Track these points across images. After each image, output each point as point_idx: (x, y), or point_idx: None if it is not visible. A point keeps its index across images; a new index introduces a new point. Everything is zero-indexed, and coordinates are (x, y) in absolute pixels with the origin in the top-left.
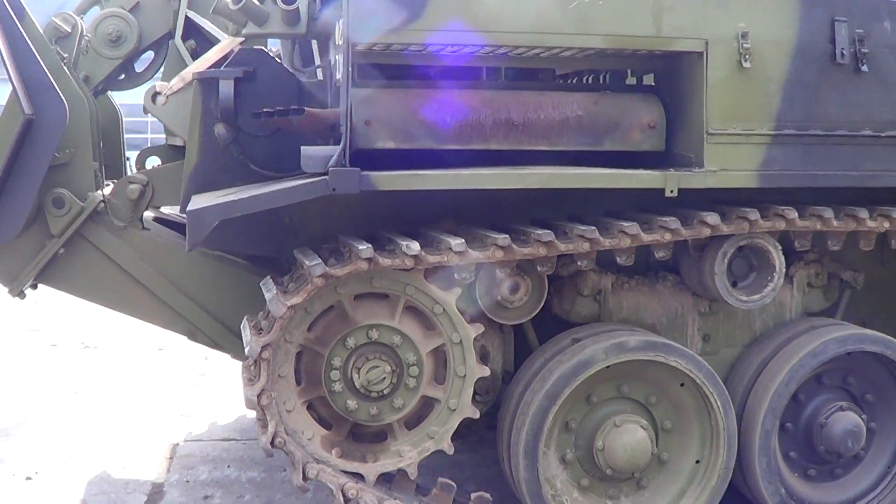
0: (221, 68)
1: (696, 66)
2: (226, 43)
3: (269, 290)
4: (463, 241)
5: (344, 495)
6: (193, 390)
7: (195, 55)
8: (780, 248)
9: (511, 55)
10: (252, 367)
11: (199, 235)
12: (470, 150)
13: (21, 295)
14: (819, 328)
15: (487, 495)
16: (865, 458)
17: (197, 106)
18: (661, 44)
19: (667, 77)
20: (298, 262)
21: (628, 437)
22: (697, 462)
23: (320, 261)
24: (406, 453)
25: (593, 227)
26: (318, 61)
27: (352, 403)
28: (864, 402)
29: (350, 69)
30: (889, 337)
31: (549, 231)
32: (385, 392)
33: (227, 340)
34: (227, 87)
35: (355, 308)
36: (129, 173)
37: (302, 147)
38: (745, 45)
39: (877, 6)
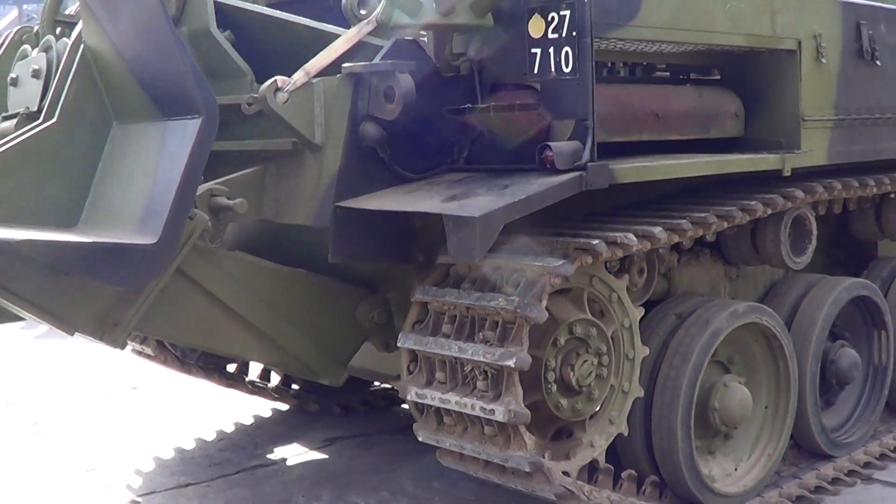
0: (377, 62)
1: (792, 61)
2: (352, 34)
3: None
4: (661, 227)
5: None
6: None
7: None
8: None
9: (673, 52)
10: (501, 381)
11: (488, 241)
12: (627, 142)
13: (123, 345)
14: (821, 281)
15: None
16: (847, 386)
17: (343, 103)
18: (773, 42)
19: (750, 71)
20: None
21: (739, 395)
22: (766, 408)
23: (565, 260)
24: (597, 442)
25: (754, 202)
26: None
27: (563, 402)
28: (846, 338)
29: (592, 64)
30: (867, 281)
31: (732, 206)
32: (591, 385)
33: (323, 366)
34: (407, 82)
35: (553, 306)
36: None
37: (552, 143)
38: (821, 44)
39: (886, 12)
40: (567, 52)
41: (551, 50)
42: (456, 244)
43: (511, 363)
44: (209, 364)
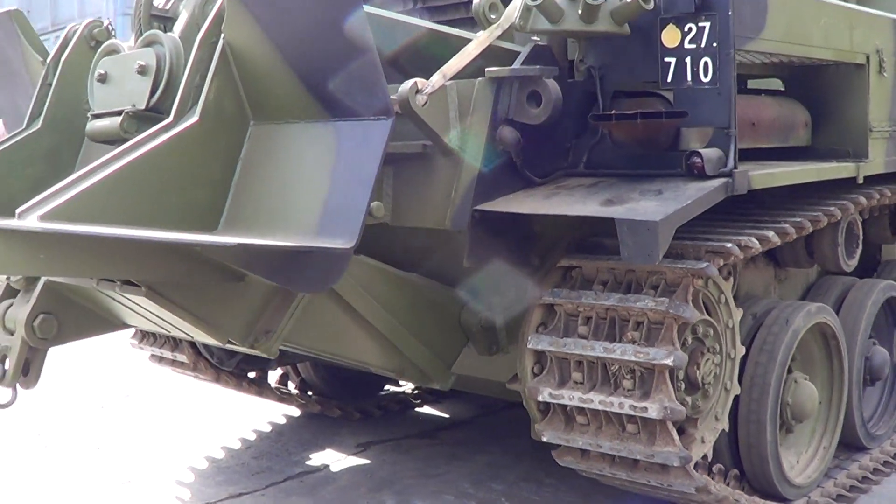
0: (523, 66)
1: (861, 74)
2: (483, 37)
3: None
4: (774, 232)
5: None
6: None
7: None
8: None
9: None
10: (650, 380)
11: (666, 244)
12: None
13: (276, 353)
14: (856, 283)
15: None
16: (877, 381)
17: (484, 106)
18: (849, 56)
19: (817, 83)
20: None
21: (808, 390)
22: (821, 403)
23: (708, 262)
24: (707, 439)
25: (833, 207)
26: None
27: (687, 399)
28: (874, 337)
29: (735, 75)
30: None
31: (818, 212)
32: (710, 383)
33: (435, 371)
34: (554, 87)
35: None
36: None
37: (702, 151)
38: (882, 59)
39: None
40: (706, 62)
41: (688, 60)
42: (632, 248)
43: (669, 362)
44: (245, 371)
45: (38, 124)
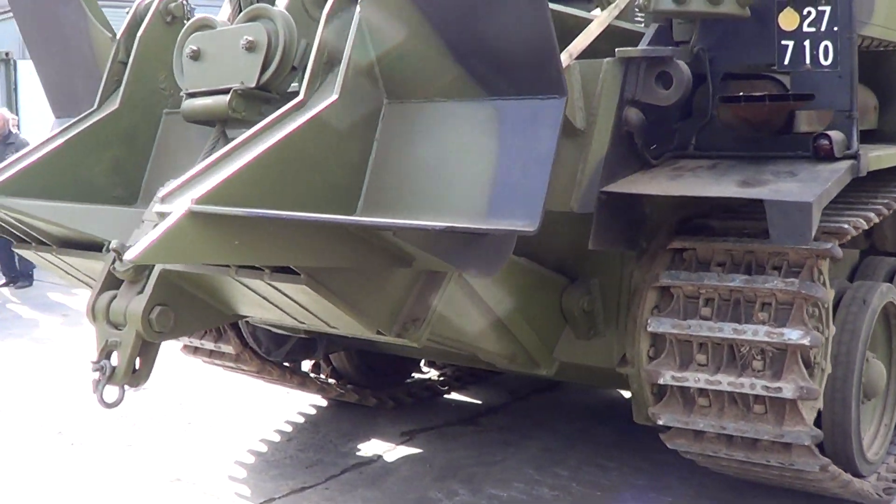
0: (656, 47)
1: None
2: (603, 17)
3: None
4: (873, 213)
5: None
6: None
7: None
8: None
9: None
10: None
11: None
12: None
13: (424, 342)
14: None
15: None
16: None
17: (613, 87)
18: None
19: (884, 68)
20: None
21: (878, 368)
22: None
23: (833, 243)
24: (808, 417)
25: None
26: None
27: None
28: None
29: (856, 58)
30: None
31: None
32: (819, 362)
33: (542, 356)
34: (685, 68)
35: None
36: None
37: (830, 133)
38: None
39: None
40: (827, 46)
41: (807, 43)
42: (783, 229)
43: (805, 342)
44: (293, 361)
45: (116, 104)
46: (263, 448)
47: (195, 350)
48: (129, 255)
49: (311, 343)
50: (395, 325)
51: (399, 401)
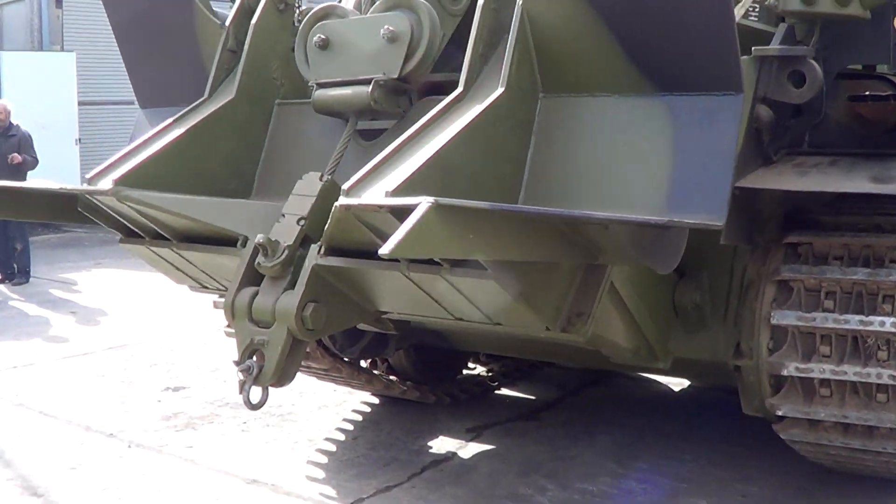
0: (790, 46)
1: None
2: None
3: None
4: None
5: None
6: None
7: None
8: None
9: None
10: None
11: None
12: None
13: (588, 335)
14: None
15: None
16: None
17: (748, 85)
18: None
19: None
20: None
21: None
22: None
23: None
24: None
25: None
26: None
27: None
28: None
29: None
30: None
31: None
32: None
33: (662, 350)
34: (818, 68)
35: None
36: None
37: None
38: None
39: None
40: None
41: None
42: None
43: None
44: (363, 358)
45: (231, 93)
46: (332, 447)
47: None
48: (383, 250)
49: (383, 339)
50: (559, 319)
51: (454, 397)
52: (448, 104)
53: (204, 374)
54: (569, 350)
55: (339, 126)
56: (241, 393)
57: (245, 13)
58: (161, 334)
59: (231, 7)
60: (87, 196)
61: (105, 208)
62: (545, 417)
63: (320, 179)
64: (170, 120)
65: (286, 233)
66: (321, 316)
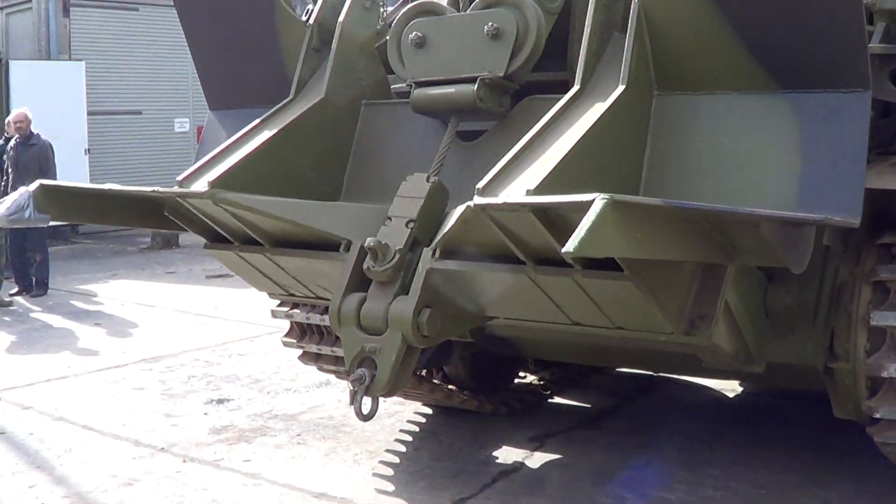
0: (880, 43)
1: None
2: None
3: None
4: None
5: None
6: None
7: None
8: None
9: None
10: None
11: None
12: None
13: (710, 338)
14: None
15: None
16: None
17: None
18: None
19: None
20: None
21: None
22: None
23: None
24: None
25: None
26: None
27: None
28: None
29: None
30: None
31: None
32: None
33: (759, 352)
34: None
35: None
36: None
37: None
38: None
39: None
40: None
41: None
42: None
43: None
44: (428, 367)
45: (321, 93)
46: (395, 459)
47: (317, 357)
48: (568, 248)
49: (448, 348)
50: (683, 322)
51: (510, 406)
52: (567, 102)
53: (245, 387)
54: (641, 354)
55: (429, 126)
56: (352, 403)
57: (329, 11)
58: (193, 346)
59: (308, 5)
60: (179, 199)
61: (195, 212)
62: (605, 426)
63: (427, 181)
64: (257, 121)
65: (395, 236)
66: (436, 322)
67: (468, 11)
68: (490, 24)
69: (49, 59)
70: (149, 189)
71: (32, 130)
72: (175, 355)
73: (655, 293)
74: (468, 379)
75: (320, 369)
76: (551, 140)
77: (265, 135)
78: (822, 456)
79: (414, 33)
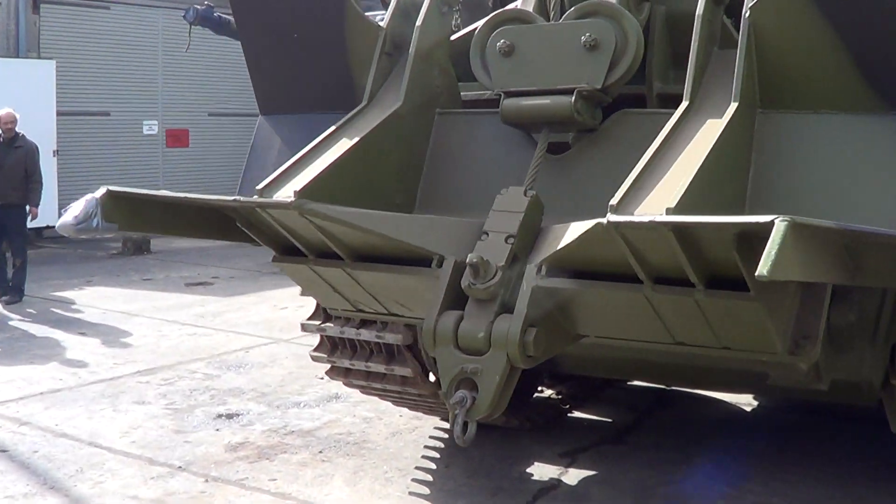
0: None
1: None
2: None
3: None
4: None
5: None
6: None
7: None
8: None
9: None
10: None
11: None
12: None
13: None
14: None
15: None
16: None
17: None
18: None
19: None
20: None
21: None
22: None
23: None
24: None
25: None
26: None
27: None
28: None
29: None
30: None
31: None
32: None
33: (826, 370)
34: None
35: None
36: None
37: None
38: None
39: None
40: None
41: None
42: None
43: None
44: None
45: (399, 101)
46: (428, 477)
47: (346, 372)
48: (761, 271)
49: None
50: (787, 342)
51: (533, 421)
52: (679, 118)
53: (252, 400)
54: (708, 372)
55: (507, 137)
56: (452, 427)
57: (402, 15)
58: (187, 358)
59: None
60: (259, 210)
61: (274, 223)
62: (631, 441)
63: (525, 195)
64: (332, 128)
65: (495, 251)
66: (542, 341)
67: (561, 21)
68: (588, 34)
69: (17, 56)
70: (229, 199)
71: (18, 131)
72: (171, 367)
73: (772, 314)
74: None
75: (348, 385)
76: (672, 156)
77: (344, 144)
78: (853, 471)
79: (502, 41)
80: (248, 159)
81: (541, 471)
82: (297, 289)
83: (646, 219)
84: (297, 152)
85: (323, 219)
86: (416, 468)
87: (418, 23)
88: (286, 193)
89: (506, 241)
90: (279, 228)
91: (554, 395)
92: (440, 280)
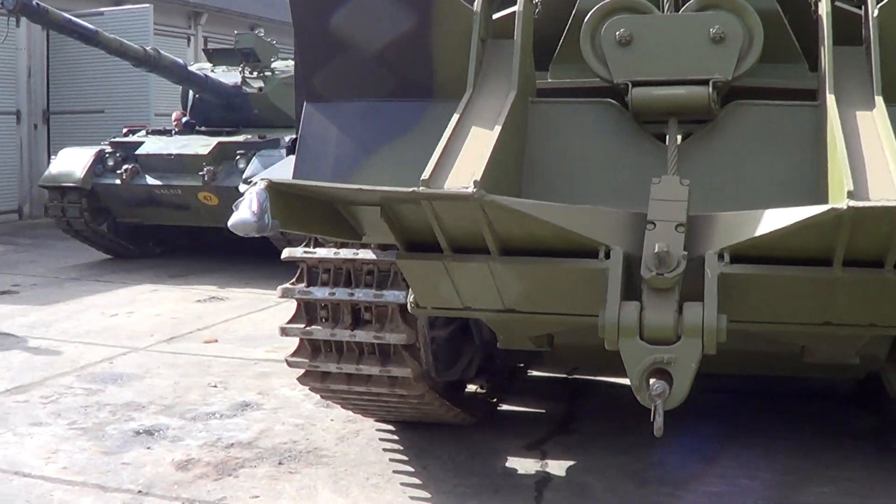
0: None
1: None
2: None
3: None
4: None
5: None
6: None
7: None
8: None
9: None
10: None
11: None
12: None
13: None
14: None
15: None
16: None
17: None
18: None
19: None
20: None
21: None
22: None
23: None
24: None
25: None
26: None
27: None
28: None
29: None
30: None
31: None
32: None
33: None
34: None
35: None
36: None
37: None
38: None
39: None
40: None
41: None
42: None
43: None
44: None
45: (514, 89)
46: (417, 481)
47: (323, 377)
48: None
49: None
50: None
51: (474, 415)
52: (835, 110)
53: (161, 414)
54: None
55: (606, 126)
56: (653, 419)
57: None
58: (48, 374)
59: None
60: (426, 201)
61: (433, 216)
62: (581, 430)
63: (681, 183)
64: (456, 115)
65: (670, 241)
66: (724, 329)
67: (682, 13)
68: (717, 27)
69: None
70: (407, 189)
71: None
72: (39, 383)
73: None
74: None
75: (317, 391)
76: (858, 145)
77: (482, 134)
78: (866, 470)
79: (621, 30)
80: (298, 149)
81: (521, 464)
82: (120, 295)
83: (892, 203)
84: (361, 143)
85: (502, 210)
86: (395, 472)
87: (519, 8)
88: (464, 185)
89: (676, 229)
90: (433, 221)
91: (479, 390)
92: (611, 271)
